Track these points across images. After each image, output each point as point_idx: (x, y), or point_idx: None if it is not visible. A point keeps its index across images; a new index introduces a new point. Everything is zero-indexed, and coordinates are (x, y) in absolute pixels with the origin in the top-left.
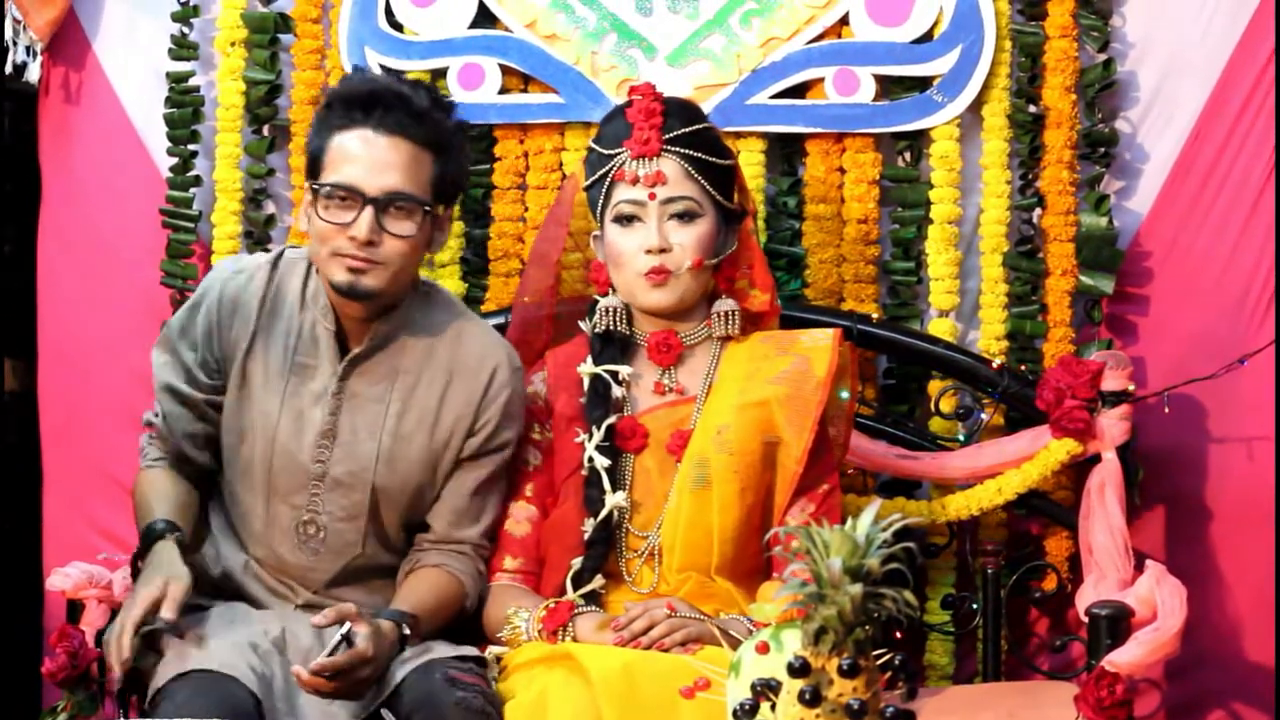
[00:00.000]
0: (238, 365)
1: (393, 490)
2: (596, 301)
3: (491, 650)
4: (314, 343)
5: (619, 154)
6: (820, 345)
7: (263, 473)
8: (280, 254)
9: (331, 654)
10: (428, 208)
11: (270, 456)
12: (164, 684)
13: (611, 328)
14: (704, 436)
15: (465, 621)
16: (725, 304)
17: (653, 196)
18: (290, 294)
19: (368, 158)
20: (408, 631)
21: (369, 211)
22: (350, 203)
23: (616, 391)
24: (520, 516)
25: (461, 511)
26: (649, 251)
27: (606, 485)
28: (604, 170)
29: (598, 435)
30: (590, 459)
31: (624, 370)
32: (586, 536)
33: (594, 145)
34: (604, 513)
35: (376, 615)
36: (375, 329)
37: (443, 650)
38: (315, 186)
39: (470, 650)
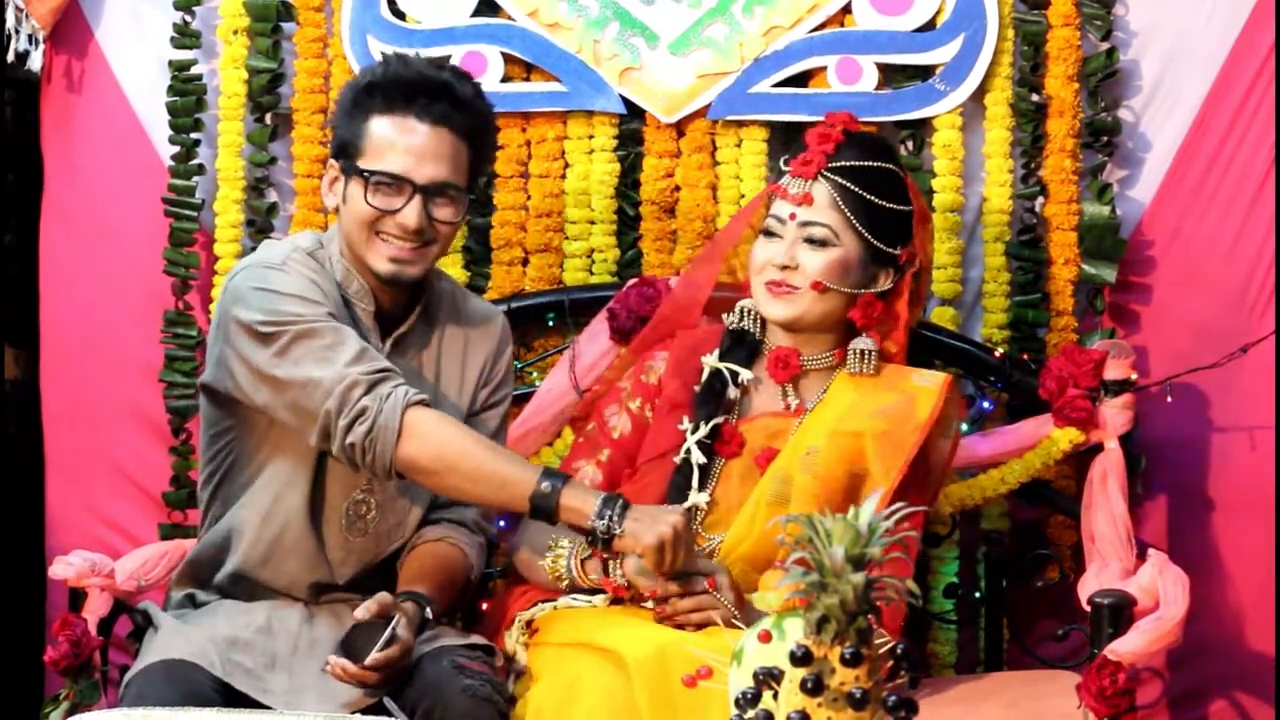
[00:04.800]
0: None
1: None
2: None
3: (521, 615)
4: (353, 324)
5: (786, 171)
6: (928, 388)
7: (318, 452)
8: (299, 246)
9: (384, 648)
10: (470, 195)
11: None
12: (130, 678)
13: (744, 330)
14: (792, 454)
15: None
16: (864, 342)
17: (793, 217)
18: (328, 279)
19: (415, 147)
20: (429, 614)
21: (418, 200)
22: (398, 190)
23: (731, 392)
24: (585, 477)
25: None
26: (775, 265)
27: (695, 482)
28: (777, 182)
29: (703, 430)
30: (688, 451)
31: (744, 374)
32: None
33: (782, 162)
34: (683, 508)
35: (400, 600)
36: (417, 308)
37: (452, 638)
38: (364, 172)
39: (479, 639)
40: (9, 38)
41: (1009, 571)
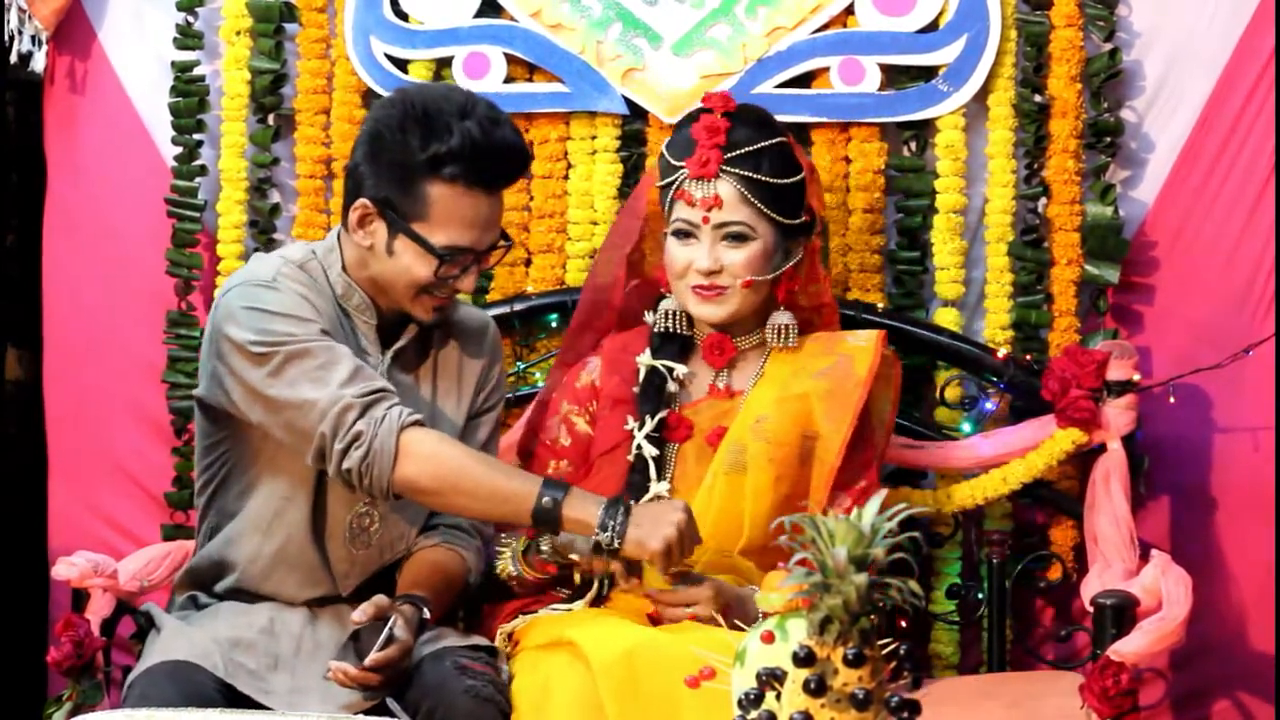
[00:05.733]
0: None
1: None
2: (662, 296)
3: (503, 629)
4: (353, 337)
5: (680, 171)
6: (863, 346)
7: (314, 475)
8: (290, 259)
9: (383, 648)
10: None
11: None
12: (133, 679)
13: (670, 330)
14: (743, 425)
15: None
16: (781, 317)
17: (706, 220)
18: (322, 293)
19: (481, 219)
20: (427, 615)
21: (475, 266)
22: (460, 259)
23: (670, 387)
24: None
25: None
26: (699, 271)
27: (652, 473)
28: (668, 181)
29: (649, 425)
30: (639, 447)
31: (679, 369)
32: None
33: (665, 150)
34: (645, 499)
35: (398, 602)
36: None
37: (454, 639)
38: (427, 244)
39: (482, 640)
40: (12, 39)
41: (1011, 572)
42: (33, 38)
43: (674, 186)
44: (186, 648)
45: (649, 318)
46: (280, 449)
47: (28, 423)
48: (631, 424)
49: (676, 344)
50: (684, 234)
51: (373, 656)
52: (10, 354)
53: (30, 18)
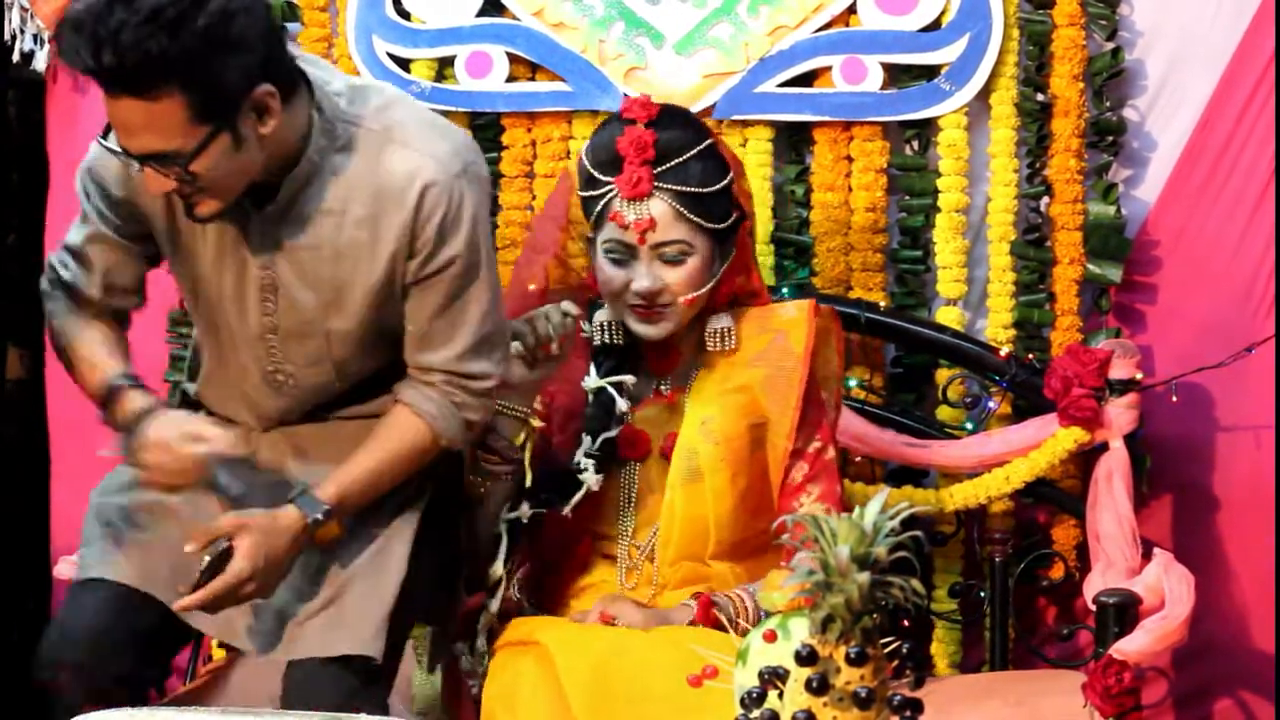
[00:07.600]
0: (164, 224)
1: (348, 331)
2: (594, 301)
3: (489, 604)
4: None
5: (609, 190)
6: (794, 318)
7: (220, 329)
8: None
9: (202, 577)
10: (208, 138)
11: (221, 313)
12: (72, 586)
13: (609, 342)
14: (691, 428)
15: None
16: (720, 321)
17: (642, 241)
18: None
19: (120, 121)
20: (319, 518)
21: (154, 167)
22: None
23: (620, 405)
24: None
25: (423, 336)
26: (639, 293)
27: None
28: (596, 194)
29: (591, 446)
30: (578, 464)
31: (628, 380)
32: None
33: (585, 159)
34: (579, 495)
35: (290, 499)
36: (285, 187)
37: (318, 642)
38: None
39: (346, 647)
40: (14, 38)
41: (1014, 571)
42: (35, 37)
43: (602, 203)
44: (130, 568)
45: (585, 329)
46: (193, 318)
47: (29, 422)
48: (579, 457)
49: (617, 355)
50: (618, 254)
51: (186, 599)
52: (11, 353)
53: (32, 17)
